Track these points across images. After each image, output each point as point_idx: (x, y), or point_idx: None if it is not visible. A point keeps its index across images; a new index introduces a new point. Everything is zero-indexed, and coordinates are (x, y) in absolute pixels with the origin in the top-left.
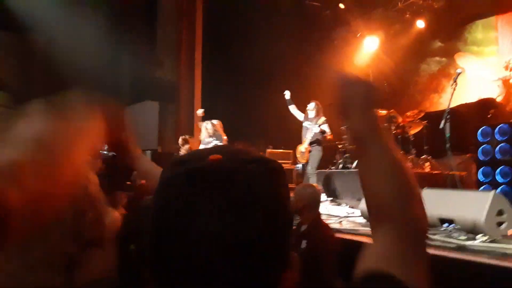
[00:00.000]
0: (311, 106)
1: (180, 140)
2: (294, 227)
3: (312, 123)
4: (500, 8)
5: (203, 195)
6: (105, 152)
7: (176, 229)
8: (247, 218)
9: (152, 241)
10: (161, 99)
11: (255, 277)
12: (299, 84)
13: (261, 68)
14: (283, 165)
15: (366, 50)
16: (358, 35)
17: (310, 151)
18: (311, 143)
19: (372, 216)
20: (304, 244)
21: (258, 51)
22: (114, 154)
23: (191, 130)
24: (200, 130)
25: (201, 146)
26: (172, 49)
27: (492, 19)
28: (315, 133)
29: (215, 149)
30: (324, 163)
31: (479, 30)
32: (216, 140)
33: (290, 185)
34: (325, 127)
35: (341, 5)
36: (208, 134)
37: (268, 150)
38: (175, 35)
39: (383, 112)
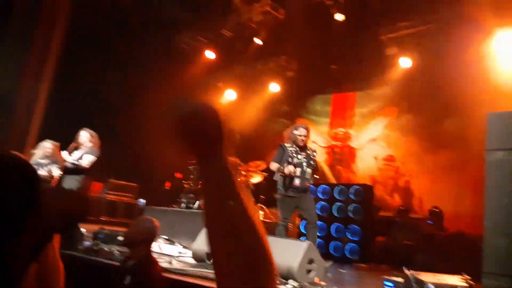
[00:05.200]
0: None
1: None
2: (119, 261)
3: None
4: (336, 89)
5: None
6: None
7: None
8: None
9: None
10: None
11: None
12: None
13: (118, 95)
14: (124, 198)
15: (226, 100)
16: (219, 84)
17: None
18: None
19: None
20: (128, 280)
21: (116, 77)
22: None
23: (21, 149)
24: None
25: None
26: (19, 59)
27: (330, 96)
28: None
29: None
30: (169, 201)
31: (318, 103)
32: (53, 163)
33: (126, 220)
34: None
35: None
36: (45, 155)
37: (110, 180)
38: (28, 46)
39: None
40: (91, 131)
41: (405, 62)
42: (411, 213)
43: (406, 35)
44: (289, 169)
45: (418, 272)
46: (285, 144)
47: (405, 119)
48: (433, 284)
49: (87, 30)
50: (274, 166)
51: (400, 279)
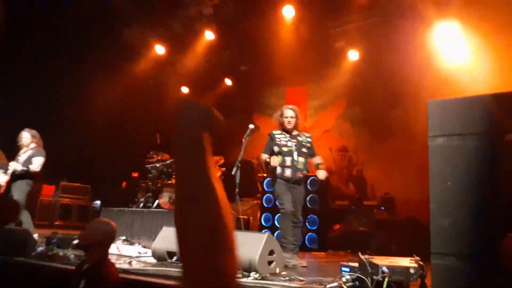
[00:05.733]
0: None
1: None
2: (77, 265)
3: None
4: (290, 82)
5: None
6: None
7: None
8: None
9: None
10: None
11: None
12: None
13: (66, 92)
14: (78, 200)
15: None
16: (172, 79)
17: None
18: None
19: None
20: (82, 284)
21: (64, 74)
22: None
23: None
24: None
25: None
26: None
27: (284, 89)
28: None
29: None
30: (126, 201)
31: (273, 96)
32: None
33: (81, 223)
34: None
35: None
36: None
37: (62, 183)
38: None
39: None
40: (33, 131)
41: (353, 55)
42: (365, 200)
43: (353, 28)
44: (274, 161)
45: (373, 256)
46: (273, 132)
47: (354, 110)
48: (386, 266)
49: (31, 23)
50: (262, 157)
51: (355, 264)
